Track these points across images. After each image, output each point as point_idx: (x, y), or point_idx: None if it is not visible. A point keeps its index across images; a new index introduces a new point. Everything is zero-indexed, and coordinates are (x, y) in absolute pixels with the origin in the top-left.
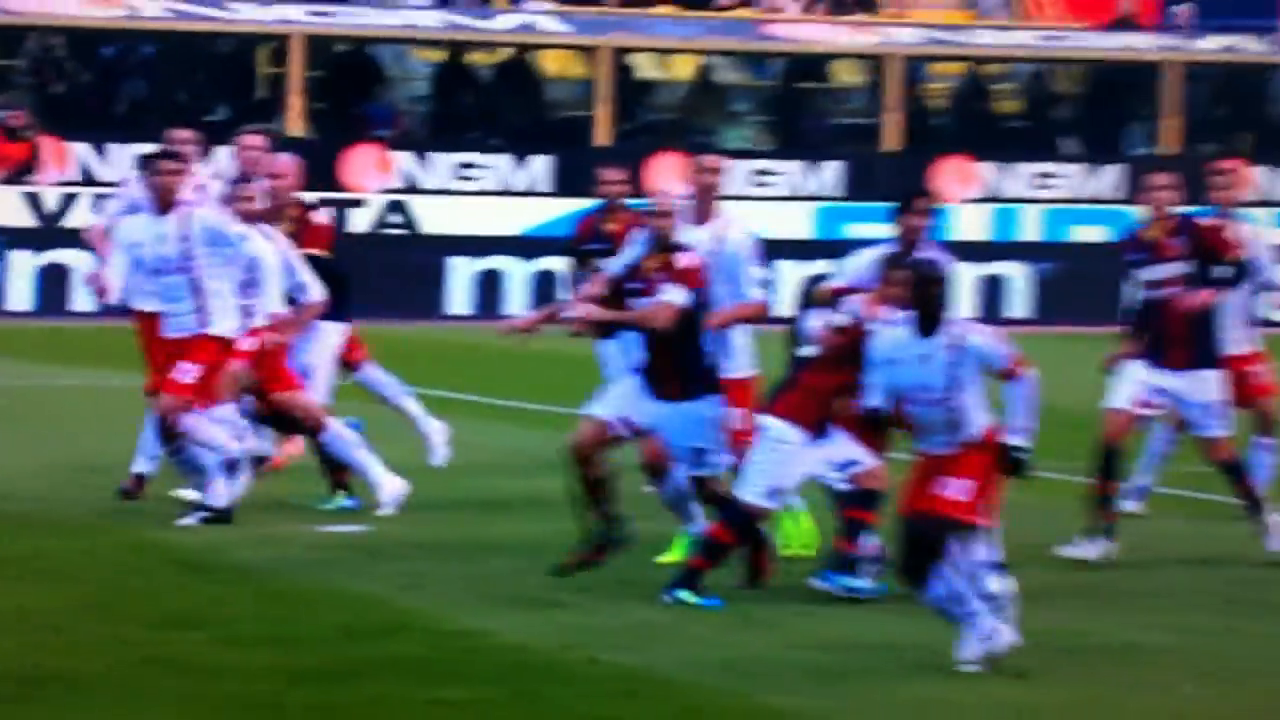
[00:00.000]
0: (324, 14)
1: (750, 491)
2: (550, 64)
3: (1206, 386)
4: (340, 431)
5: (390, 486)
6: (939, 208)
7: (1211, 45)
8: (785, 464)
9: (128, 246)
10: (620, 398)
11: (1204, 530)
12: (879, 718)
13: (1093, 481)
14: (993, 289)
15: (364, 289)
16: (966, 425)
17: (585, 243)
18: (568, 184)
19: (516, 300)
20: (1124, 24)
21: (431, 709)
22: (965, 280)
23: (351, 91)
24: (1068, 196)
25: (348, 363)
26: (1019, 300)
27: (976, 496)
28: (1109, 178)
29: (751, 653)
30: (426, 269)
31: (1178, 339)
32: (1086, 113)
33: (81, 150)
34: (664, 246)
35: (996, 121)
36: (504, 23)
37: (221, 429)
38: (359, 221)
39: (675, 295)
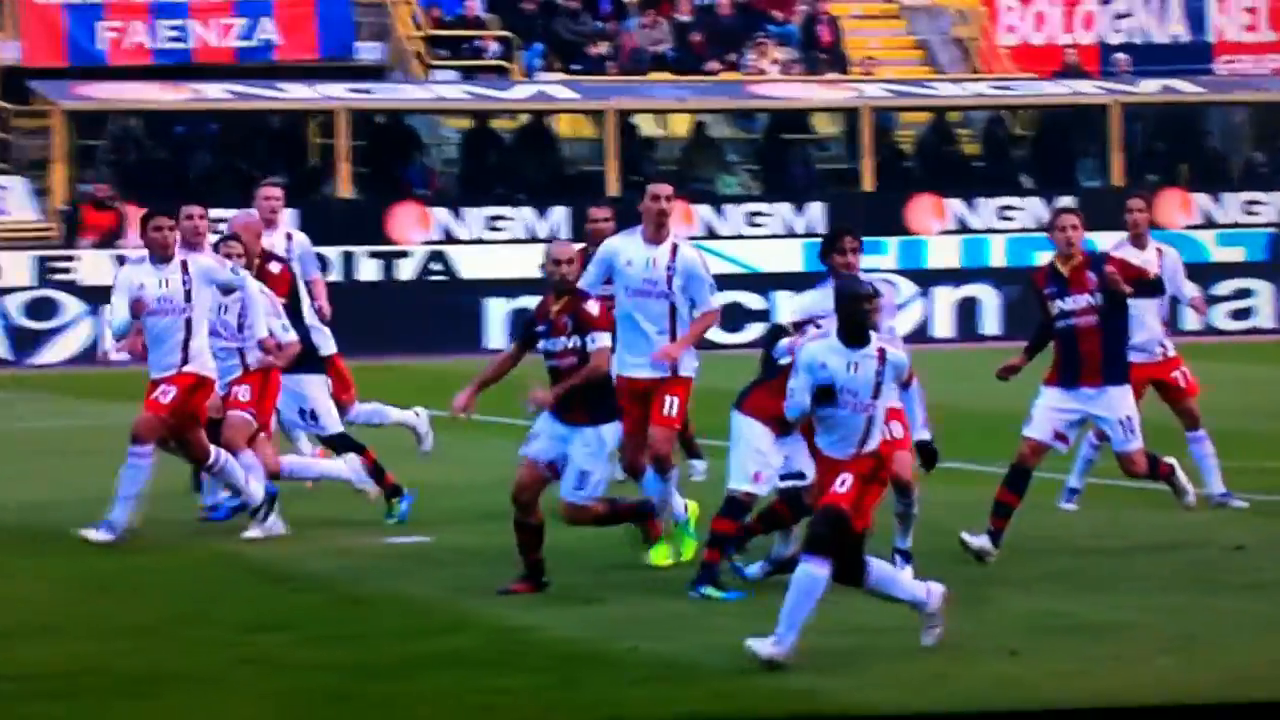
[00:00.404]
0: (365, 91)
1: (736, 481)
2: (563, 126)
3: (1118, 403)
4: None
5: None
6: (862, 244)
7: (1149, 88)
8: (760, 453)
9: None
10: (540, 436)
11: (1168, 519)
12: (891, 694)
13: (1000, 488)
14: (966, 309)
15: (412, 329)
16: (874, 436)
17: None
18: (584, 231)
19: None
20: (1070, 72)
21: (490, 696)
22: (943, 302)
23: (392, 157)
24: (1028, 226)
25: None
26: (990, 319)
27: (864, 508)
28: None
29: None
30: (466, 309)
31: (1090, 361)
32: (1040, 151)
33: None
34: (565, 291)
35: (961, 162)
36: (521, 92)
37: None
38: (405, 271)
39: (604, 340)
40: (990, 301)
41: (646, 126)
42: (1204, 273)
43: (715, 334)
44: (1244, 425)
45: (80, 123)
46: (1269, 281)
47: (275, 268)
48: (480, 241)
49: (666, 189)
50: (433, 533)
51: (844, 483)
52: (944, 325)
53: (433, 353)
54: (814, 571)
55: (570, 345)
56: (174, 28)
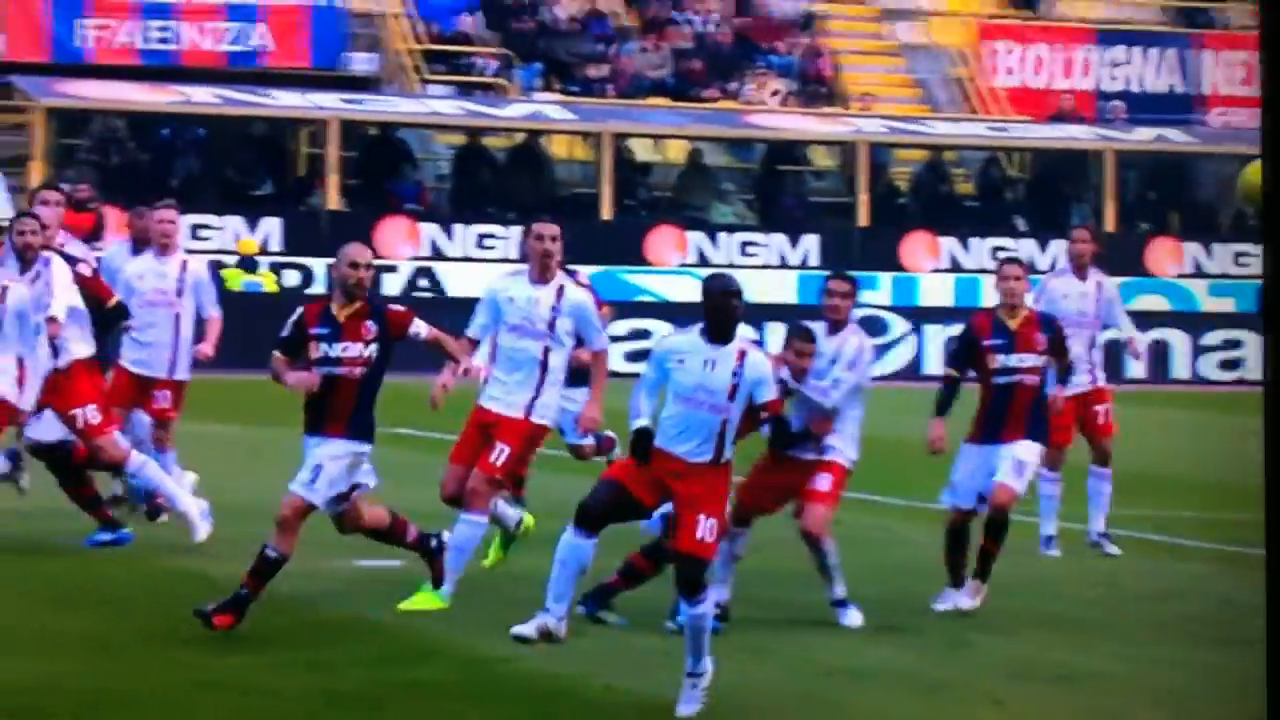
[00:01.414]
0: (356, 101)
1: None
2: (558, 147)
3: (1027, 451)
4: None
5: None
6: (858, 287)
7: (1142, 136)
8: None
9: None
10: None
11: (1162, 568)
12: None
13: (946, 549)
14: None
15: (401, 347)
16: (729, 447)
17: None
18: (576, 254)
19: None
20: (1065, 117)
21: None
22: (934, 341)
23: (382, 170)
24: None
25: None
26: None
27: (717, 533)
28: (1055, 251)
29: (751, 679)
30: (453, 328)
31: (1018, 418)
32: (1035, 194)
33: None
34: (357, 296)
35: (955, 201)
36: (516, 111)
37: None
38: (391, 286)
39: (422, 326)
40: None
41: (642, 151)
42: (1195, 322)
43: None
44: (1232, 477)
45: (61, 121)
46: (1258, 333)
47: (86, 270)
48: (469, 259)
49: (552, 229)
50: (403, 557)
51: (711, 530)
52: (935, 362)
53: (419, 370)
54: (706, 611)
55: (365, 354)
56: (162, 28)
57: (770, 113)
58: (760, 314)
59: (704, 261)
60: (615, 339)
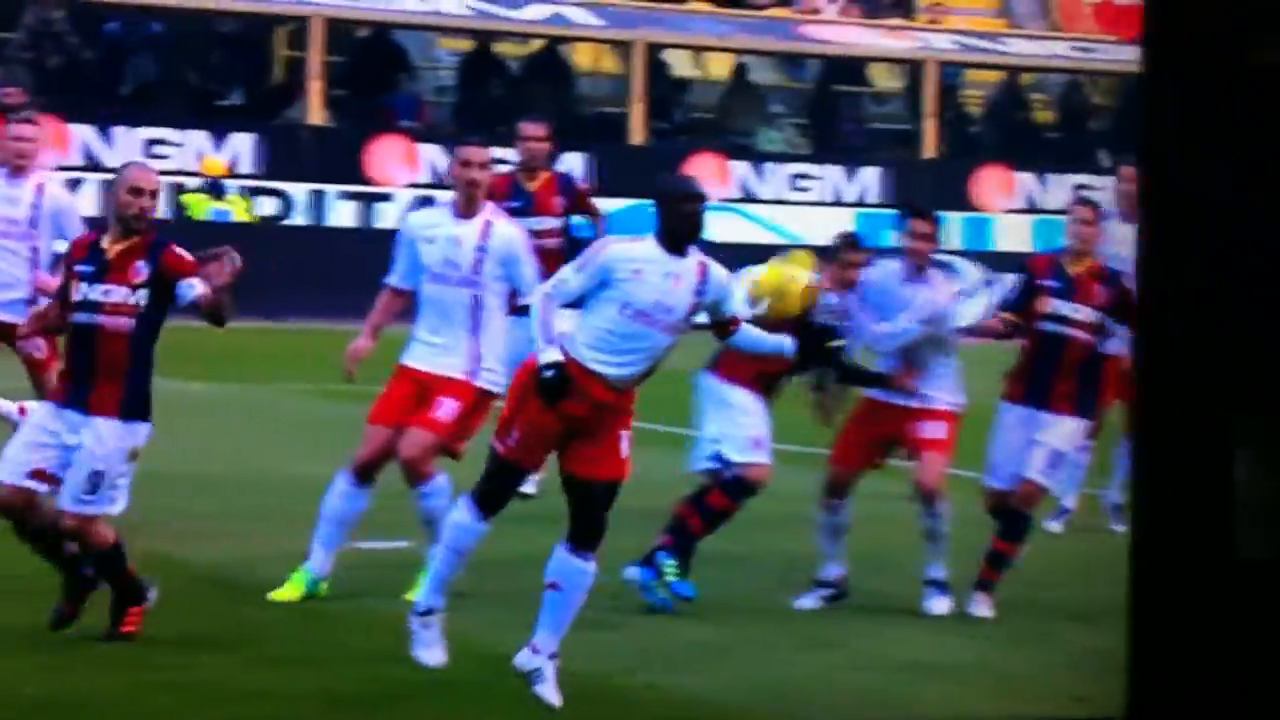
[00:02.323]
0: None
1: (735, 454)
2: (581, 57)
3: (1066, 437)
4: None
5: None
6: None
7: None
8: (747, 416)
9: None
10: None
11: None
12: None
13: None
14: None
15: None
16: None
17: (502, 202)
18: (602, 183)
19: None
20: None
21: None
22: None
23: (375, 80)
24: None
25: None
26: None
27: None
28: None
29: (810, 673)
30: None
31: (1065, 385)
32: (1121, 126)
33: (85, 133)
34: (135, 230)
35: (1033, 131)
36: (534, 13)
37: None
38: (386, 217)
39: (199, 285)
40: None
41: (680, 65)
42: None
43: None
44: None
45: None
46: None
47: None
48: None
49: (481, 153)
50: (413, 537)
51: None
52: None
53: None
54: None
55: (133, 301)
56: None
57: (827, 23)
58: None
59: (748, 195)
60: None
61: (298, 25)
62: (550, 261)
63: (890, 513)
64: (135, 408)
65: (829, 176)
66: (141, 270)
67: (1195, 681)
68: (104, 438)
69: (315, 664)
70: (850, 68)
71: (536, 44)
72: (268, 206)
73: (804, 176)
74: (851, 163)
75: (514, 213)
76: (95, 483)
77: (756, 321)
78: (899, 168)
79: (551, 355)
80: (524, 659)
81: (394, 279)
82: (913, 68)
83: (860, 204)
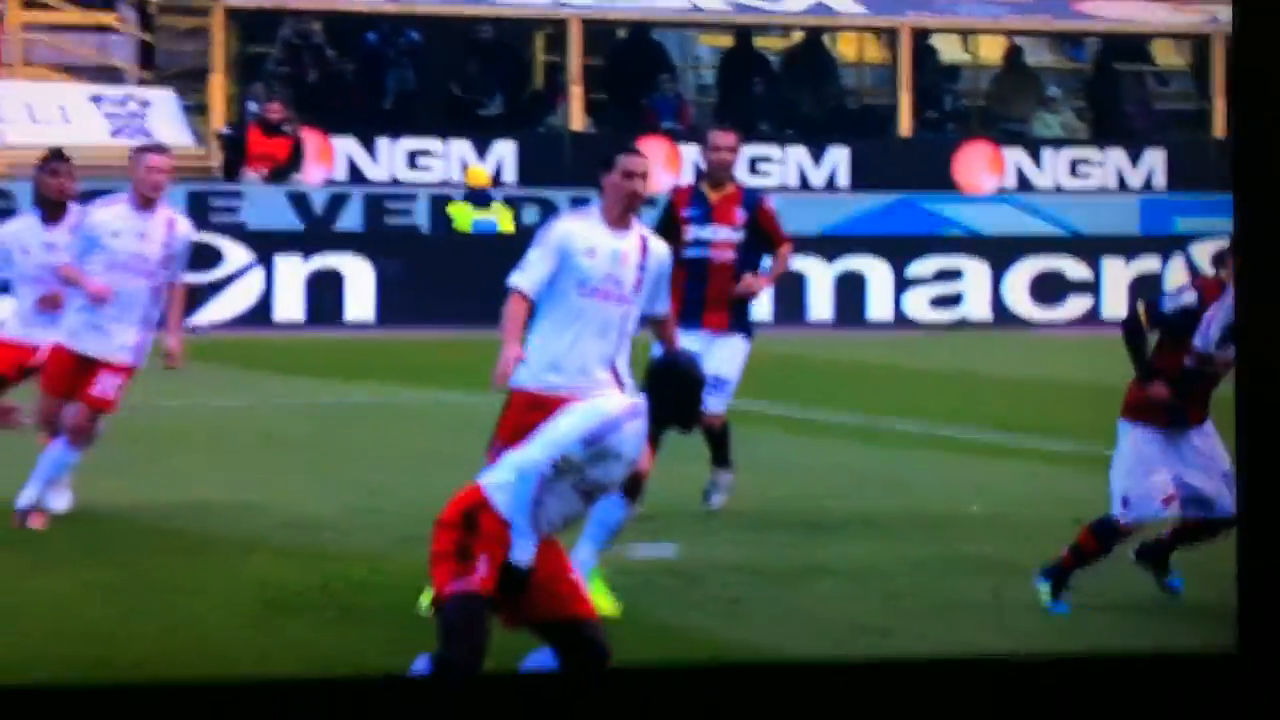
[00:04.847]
0: None
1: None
2: (845, 48)
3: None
4: None
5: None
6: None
7: None
8: (1142, 465)
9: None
10: None
11: None
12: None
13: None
14: None
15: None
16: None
17: (681, 209)
18: (868, 178)
19: (820, 301)
20: None
21: None
22: None
23: (635, 81)
24: None
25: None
26: None
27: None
28: None
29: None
30: None
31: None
32: None
33: (348, 145)
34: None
35: None
36: (795, 4)
37: None
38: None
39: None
40: None
41: (949, 51)
42: None
43: (1031, 311)
44: None
45: (245, 24)
46: None
47: None
48: None
49: (644, 163)
50: (687, 544)
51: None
52: None
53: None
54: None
55: None
56: None
57: (1106, 0)
58: (1095, 247)
59: (1025, 184)
60: (917, 282)
61: (556, 29)
62: (718, 276)
63: None
64: None
65: (1111, 161)
66: None
67: None
68: None
69: (317, 660)
70: (1131, 45)
71: (797, 35)
72: (531, 214)
73: (1084, 162)
74: (1135, 146)
75: (690, 220)
76: None
77: None
78: (1186, 150)
79: (527, 550)
80: None
81: (527, 285)
82: (1199, 43)
83: (1145, 189)
